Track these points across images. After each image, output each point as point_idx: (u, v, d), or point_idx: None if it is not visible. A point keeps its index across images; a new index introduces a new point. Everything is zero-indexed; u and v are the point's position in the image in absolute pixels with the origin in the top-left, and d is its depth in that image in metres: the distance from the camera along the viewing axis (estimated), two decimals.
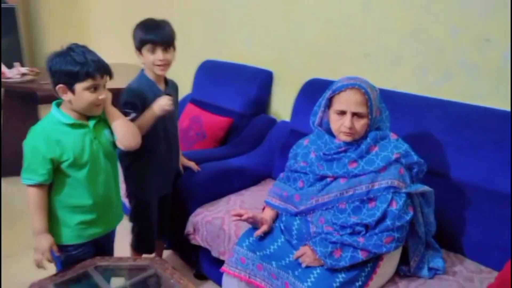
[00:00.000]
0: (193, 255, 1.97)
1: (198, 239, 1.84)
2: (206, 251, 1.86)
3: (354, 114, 1.32)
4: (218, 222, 1.75)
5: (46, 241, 1.33)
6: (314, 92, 2.13)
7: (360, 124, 1.33)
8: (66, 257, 1.41)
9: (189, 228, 1.86)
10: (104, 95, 1.34)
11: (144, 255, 1.81)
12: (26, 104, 2.96)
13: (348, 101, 1.32)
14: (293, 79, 2.38)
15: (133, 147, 1.46)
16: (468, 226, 1.54)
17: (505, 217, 1.47)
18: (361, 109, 1.31)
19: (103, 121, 1.43)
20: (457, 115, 1.66)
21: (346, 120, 1.32)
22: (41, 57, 5.04)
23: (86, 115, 1.37)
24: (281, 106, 2.51)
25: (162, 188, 1.81)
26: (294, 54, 2.37)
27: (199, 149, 2.33)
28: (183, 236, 1.90)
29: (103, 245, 1.51)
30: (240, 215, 1.43)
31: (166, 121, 1.69)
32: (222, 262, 1.74)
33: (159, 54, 1.58)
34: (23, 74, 2.79)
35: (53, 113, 1.35)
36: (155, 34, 1.57)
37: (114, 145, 1.45)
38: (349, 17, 2.06)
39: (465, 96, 1.72)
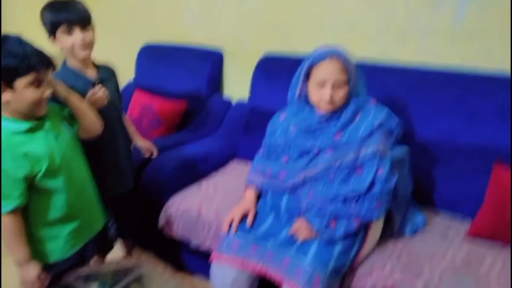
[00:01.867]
0: (169, 250, 1.89)
1: (173, 232, 1.76)
2: (183, 244, 1.79)
3: (334, 84, 1.31)
4: (195, 211, 1.69)
5: (33, 270, 1.19)
6: (271, 68, 2.12)
7: (340, 93, 1.33)
8: (54, 276, 1.27)
9: (162, 221, 1.77)
10: (50, 92, 1.16)
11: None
12: None
13: (328, 71, 1.31)
14: (245, 55, 2.32)
15: (98, 133, 1.35)
16: (438, 181, 1.63)
17: (471, 168, 1.58)
18: (342, 77, 1.31)
19: (55, 115, 1.27)
20: (414, 77, 1.73)
21: (327, 90, 1.31)
22: None
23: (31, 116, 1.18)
24: (235, 84, 2.45)
25: (117, 186, 1.64)
26: (244, 29, 2.30)
27: (156, 137, 2.21)
28: (156, 232, 1.81)
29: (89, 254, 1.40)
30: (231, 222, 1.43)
31: (108, 112, 1.49)
32: (202, 253, 1.71)
33: (78, 34, 1.37)
34: None
35: (4, 124, 1.14)
36: (67, 12, 1.36)
37: (77, 138, 1.32)
38: None
39: (420, 56, 1.80)
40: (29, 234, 1.21)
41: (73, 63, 1.45)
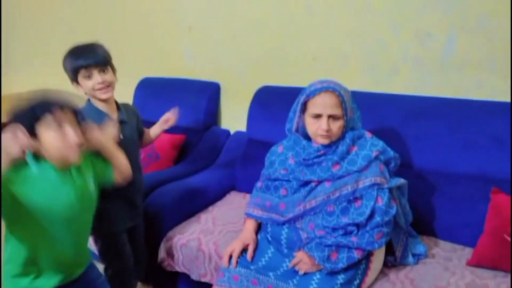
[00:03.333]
0: (168, 284, 1.86)
1: (173, 265, 1.74)
2: (184, 276, 1.77)
3: (330, 117, 1.34)
4: (195, 244, 1.68)
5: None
6: (268, 99, 2.16)
7: (336, 126, 1.35)
8: None
9: (162, 255, 1.76)
10: (73, 133, 1.11)
11: None
12: None
13: (323, 104, 1.33)
14: (242, 88, 2.37)
15: (130, 175, 1.39)
16: (436, 210, 1.64)
17: (468, 196, 1.59)
18: (337, 111, 1.34)
19: (86, 167, 1.25)
20: (408, 107, 1.78)
21: (323, 123, 1.34)
22: None
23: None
24: (232, 117, 2.48)
25: (129, 220, 1.64)
26: (240, 63, 2.36)
27: (154, 171, 2.21)
28: (155, 265, 1.79)
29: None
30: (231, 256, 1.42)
31: (128, 149, 1.50)
32: (202, 285, 1.69)
33: (97, 77, 1.43)
34: None
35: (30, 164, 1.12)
36: (86, 57, 1.43)
37: (96, 192, 1.30)
38: (293, 22, 2.11)
39: (412, 88, 1.85)
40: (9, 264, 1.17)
41: (96, 103, 1.50)
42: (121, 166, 1.34)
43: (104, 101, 1.49)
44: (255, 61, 2.30)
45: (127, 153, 1.47)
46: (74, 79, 1.46)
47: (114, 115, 1.54)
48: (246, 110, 2.22)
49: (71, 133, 1.11)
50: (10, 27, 3.57)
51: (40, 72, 3.47)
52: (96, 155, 1.29)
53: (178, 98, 2.46)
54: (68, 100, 1.15)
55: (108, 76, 1.47)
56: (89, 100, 1.52)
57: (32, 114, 1.08)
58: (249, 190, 2.07)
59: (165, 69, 2.63)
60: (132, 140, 1.58)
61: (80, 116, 1.18)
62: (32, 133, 1.08)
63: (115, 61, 1.54)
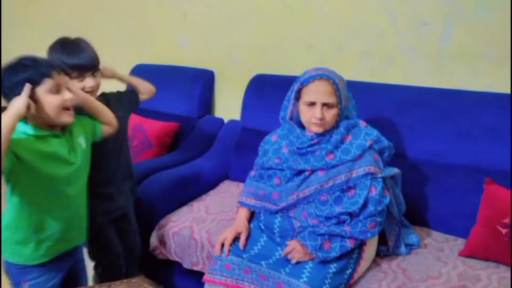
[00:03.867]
0: (160, 271, 1.85)
1: (165, 253, 1.73)
2: (175, 265, 1.76)
3: (324, 105, 1.33)
4: (187, 232, 1.67)
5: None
6: (262, 88, 2.14)
7: (330, 114, 1.34)
8: (32, 286, 1.25)
9: (154, 243, 1.75)
10: (70, 94, 1.19)
11: None
12: None
13: (317, 91, 1.32)
14: (236, 76, 2.34)
15: (116, 126, 1.42)
16: (429, 200, 1.64)
17: (461, 187, 1.59)
18: (331, 99, 1.32)
19: (75, 128, 1.29)
20: (403, 96, 1.76)
21: (317, 111, 1.32)
22: None
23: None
24: (226, 105, 2.46)
25: (112, 210, 1.58)
26: (235, 51, 2.33)
27: (147, 158, 2.20)
28: (148, 253, 1.78)
29: (73, 272, 1.37)
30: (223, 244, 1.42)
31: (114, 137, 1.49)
32: (194, 273, 1.69)
33: (89, 81, 1.37)
34: None
35: (18, 128, 1.12)
36: (80, 58, 1.35)
37: (89, 153, 1.35)
38: (289, 9, 2.08)
39: (408, 78, 1.83)
40: (14, 227, 1.21)
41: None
42: (106, 118, 1.38)
43: None
44: (250, 48, 2.27)
45: (110, 138, 1.46)
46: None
47: None
48: (240, 99, 2.20)
49: (68, 96, 1.18)
50: None
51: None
52: (81, 113, 1.33)
53: (172, 85, 2.43)
54: (60, 63, 1.21)
55: (98, 79, 1.43)
56: None
57: (30, 78, 1.11)
58: (242, 179, 2.06)
59: (159, 55, 2.60)
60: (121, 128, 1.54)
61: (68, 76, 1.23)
62: (32, 98, 1.11)
63: (109, 47, 1.54)
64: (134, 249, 1.72)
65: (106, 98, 1.56)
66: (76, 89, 1.27)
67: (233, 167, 2.13)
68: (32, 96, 1.11)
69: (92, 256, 1.61)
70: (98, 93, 1.48)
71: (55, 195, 1.23)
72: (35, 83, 1.11)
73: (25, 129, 1.15)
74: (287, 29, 2.11)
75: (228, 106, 2.43)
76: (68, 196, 1.26)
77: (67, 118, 1.21)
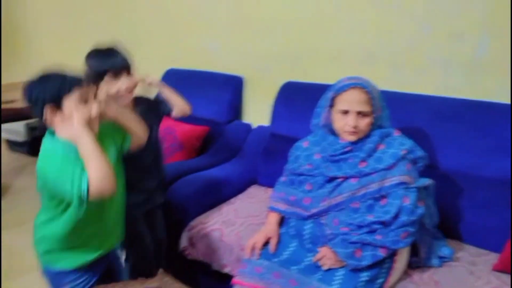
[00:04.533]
0: (188, 272, 1.88)
1: (195, 254, 1.76)
2: (204, 266, 1.79)
3: (358, 113, 1.34)
4: (217, 234, 1.69)
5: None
6: (292, 95, 2.16)
7: (364, 122, 1.35)
8: None
9: (184, 243, 1.78)
10: (97, 106, 1.19)
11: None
12: None
13: (351, 100, 1.33)
14: (265, 83, 2.37)
15: (145, 140, 1.42)
16: (462, 213, 1.62)
17: (495, 201, 1.57)
18: (365, 108, 1.33)
19: (106, 137, 1.29)
20: (436, 108, 1.75)
21: (350, 119, 1.33)
22: None
23: None
24: (254, 111, 2.49)
25: (142, 204, 1.64)
26: (265, 58, 2.35)
27: (177, 161, 2.24)
28: (176, 253, 1.82)
29: (110, 270, 1.41)
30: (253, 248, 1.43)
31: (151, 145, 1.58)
32: (223, 276, 1.71)
33: (123, 82, 1.45)
34: None
35: (50, 143, 1.17)
36: (113, 61, 1.44)
37: (120, 162, 1.36)
38: (320, 18, 2.09)
39: (440, 90, 1.82)
40: (55, 236, 1.24)
41: None
42: (137, 131, 1.37)
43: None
44: (279, 56, 2.30)
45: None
46: (96, 81, 1.43)
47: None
48: (268, 105, 2.22)
49: (95, 108, 1.17)
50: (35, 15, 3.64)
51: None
52: (113, 125, 1.33)
53: (202, 90, 2.48)
54: (85, 76, 1.24)
55: (132, 81, 1.49)
56: None
57: (60, 88, 1.13)
58: (270, 185, 2.08)
59: (190, 61, 2.65)
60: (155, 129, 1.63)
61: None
62: (58, 106, 1.13)
63: (143, 51, 1.58)
64: (161, 243, 1.78)
65: (141, 103, 1.62)
66: (108, 100, 1.29)
67: (261, 172, 2.15)
68: (61, 107, 1.13)
69: (124, 248, 1.65)
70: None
71: (97, 210, 1.24)
72: (64, 93, 1.13)
73: (56, 145, 1.16)
74: (317, 38, 2.13)
75: (257, 111, 2.46)
76: (104, 206, 1.27)
77: (93, 129, 1.19)
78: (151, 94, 1.71)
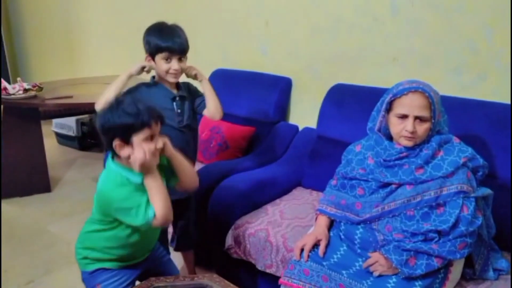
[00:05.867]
0: (232, 271, 1.90)
1: (240, 253, 1.78)
2: (248, 265, 1.80)
3: (416, 118, 1.30)
4: (263, 235, 1.70)
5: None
6: (341, 97, 2.13)
7: (422, 128, 1.31)
8: (106, 286, 1.36)
9: (229, 242, 1.80)
10: (161, 144, 1.24)
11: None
12: (27, 120, 2.82)
13: (410, 104, 1.30)
14: (313, 85, 2.37)
15: (195, 188, 1.44)
16: None
17: None
18: (424, 113, 1.30)
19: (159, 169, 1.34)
20: (497, 115, 1.68)
21: (409, 124, 1.30)
22: (26, 70, 4.86)
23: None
24: (301, 113, 2.48)
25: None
26: (314, 60, 2.35)
27: (223, 160, 2.27)
28: (220, 252, 1.84)
29: (150, 267, 1.46)
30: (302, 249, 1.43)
31: (185, 123, 1.67)
32: (267, 276, 1.71)
33: (175, 63, 1.55)
34: (26, 90, 2.65)
35: (115, 170, 1.24)
36: (172, 42, 1.53)
37: None
38: (375, 20, 2.06)
39: (501, 95, 1.74)
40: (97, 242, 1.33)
41: (162, 81, 1.63)
42: (185, 178, 1.38)
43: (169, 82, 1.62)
44: (330, 58, 2.28)
45: (182, 130, 1.64)
46: (152, 55, 1.57)
47: (175, 92, 1.65)
48: (316, 107, 2.21)
49: (160, 144, 1.23)
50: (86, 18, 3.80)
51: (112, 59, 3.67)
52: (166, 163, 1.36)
53: (249, 91, 2.50)
54: (158, 112, 1.25)
55: (183, 64, 1.60)
56: (154, 77, 1.66)
57: (130, 127, 1.18)
58: (315, 187, 2.08)
59: (240, 61, 2.68)
60: (189, 115, 1.68)
61: (162, 123, 1.27)
62: (127, 141, 1.19)
63: (192, 50, 1.64)
64: (190, 232, 1.86)
65: (188, 87, 1.71)
66: (168, 143, 1.30)
67: (306, 174, 2.14)
68: (128, 141, 1.19)
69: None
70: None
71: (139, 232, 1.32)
72: (134, 131, 1.18)
73: (121, 172, 1.24)
74: (371, 41, 2.10)
75: (304, 113, 2.45)
76: (148, 233, 1.36)
77: (155, 161, 1.25)
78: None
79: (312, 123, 2.27)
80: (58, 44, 4.32)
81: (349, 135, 1.76)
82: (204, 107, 1.70)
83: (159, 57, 1.56)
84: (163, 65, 1.56)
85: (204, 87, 1.67)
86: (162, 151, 1.26)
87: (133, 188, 1.22)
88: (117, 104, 1.20)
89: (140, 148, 1.18)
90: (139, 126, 1.18)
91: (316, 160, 2.12)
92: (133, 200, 1.20)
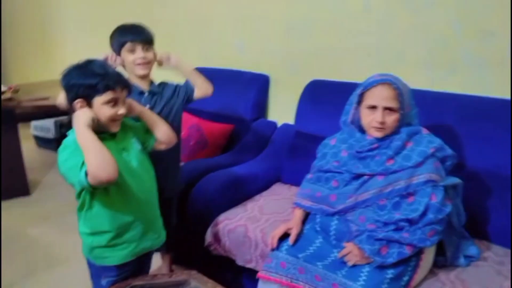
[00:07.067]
0: (213, 268, 1.91)
1: (220, 249, 1.79)
2: (228, 262, 1.81)
3: (386, 109, 1.34)
4: (242, 230, 1.72)
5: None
6: (318, 93, 2.16)
7: (391, 119, 1.35)
8: (108, 282, 1.35)
9: (209, 239, 1.81)
10: (124, 110, 1.26)
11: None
12: (4, 123, 2.78)
13: (379, 96, 1.34)
14: (291, 81, 2.39)
15: (173, 143, 1.45)
16: (490, 213, 1.60)
17: None
18: (393, 104, 1.33)
19: (129, 131, 1.36)
20: (466, 107, 1.73)
21: (378, 114, 1.34)
22: (2, 72, 4.77)
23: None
24: (280, 109, 2.50)
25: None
26: (291, 57, 2.37)
27: (203, 158, 2.28)
28: (201, 249, 1.85)
29: (144, 266, 1.46)
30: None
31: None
32: (247, 271, 1.73)
33: (139, 52, 1.56)
34: (2, 92, 2.61)
35: (69, 137, 1.24)
36: (133, 33, 1.56)
37: (145, 153, 1.40)
38: (348, 17, 2.09)
39: (470, 88, 1.79)
40: (98, 232, 1.29)
41: (134, 80, 1.60)
42: (162, 134, 1.41)
43: (140, 77, 1.60)
44: (306, 54, 2.31)
45: None
46: (118, 52, 1.58)
47: (145, 87, 1.63)
48: (293, 103, 2.23)
49: (122, 111, 1.24)
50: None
51: None
52: (140, 124, 1.40)
53: (227, 88, 2.50)
54: (126, 80, 1.27)
55: (150, 54, 1.59)
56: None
57: (94, 88, 1.18)
58: (294, 182, 2.10)
59: (216, 59, 2.69)
60: (168, 114, 1.66)
61: (129, 92, 1.29)
62: (89, 103, 1.20)
63: (169, 50, 1.65)
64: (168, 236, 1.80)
65: (163, 87, 1.69)
66: (136, 103, 1.36)
67: (285, 170, 2.17)
68: (89, 102, 1.20)
69: None
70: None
71: (124, 196, 1.29)
72: (98, 92, 1.19)
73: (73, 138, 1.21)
74: (345, 37, 2.13)
75: (282, 110, 2.47)
76: (136, 196, 1.32)
77: (114, 128, 1.27)
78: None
79: (291, 120, 2.29)
80: (34, 46, 4.26)
81: (326, 130, 1.79)
82: (192, 90, 1.70)
83: (124, 51, 1.56)
84: (129, 56, 1.56)
85: (183, 69, 1.68)
86: (129, 111, 1.29)
87: (74, 148, 1.18)
88: (86, 63, 1.21)
89: (91, 111, 1.18)
90: (102, 88, 1.18)
91: (294, 156, 2.15)
92: (72, 160, 1.17)
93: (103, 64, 1.24)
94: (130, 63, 1.57)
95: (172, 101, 1.70)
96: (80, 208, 1.30)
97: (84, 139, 1.15)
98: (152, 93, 1.64)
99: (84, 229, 1.32)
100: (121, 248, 1.32)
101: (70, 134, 1.24)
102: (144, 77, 1.61)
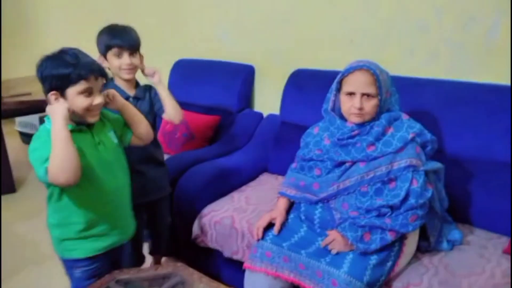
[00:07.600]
0: (201, 260, 1.91)
1: (206, 241, 1.79)
2: (216, 253, 1.82)
3: (364, 95, 1.34)
4: (228, 221, 1.72)
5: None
6: (302, 82, 2.16)
7: (370, 104, 1.35)
8: (82, 272, 1.33)
9: (195, 231, 1.81)
10: (100, 100, 1.23)
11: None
12: None
13: (357, 82, 1.34)
14: (276, 71, 2.37)
15: (150, 140, 1.45)
16: (473, 197, 1.61)
17: (505, 185, 1.55)
18: (370, 90, 1.33)
19: (107, 124, 1.35)
20: (448, 92, 1.74)
21: (356, 101, 1.34)
22: None
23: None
24: (265, 100, 2.50)
25: (145, 194, 1.67)
26: (275, 47, 2.36)
27: (189, 150, 2.27)
28: (188, 241, 1.85)
29: (117, 259, 1.44)
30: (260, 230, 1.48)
31: None
32: (234, 262, 1.73)
33: (126, 58, 1.54)
34: None
35: (45, 125, 1.21)
36: (121, 39, 1.54)
37: (121, 148, 1.38)
38: (331, 3, 2.08)
39: (452, 73, 1.80)
40: (63, 225, 1.28)
41: (119, 82, 1.61)
42: (141, 130, 1.40)
43: (125, 80, 1.60)
44: (289, 44, 2.29)
45: None
46: (104, 54, 1.56)
47: (132, 92, 1.63)
48: (279, 94, 2.22)
49: (98, 100, 1.21)
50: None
51: None
52: (117, 117, 1.38)
53: (212, 80, 2.50)
54: (101, 67, 1.24)
55: (136, 60, 1.58)
56: (112, 79, 1.62)
57: (66, 78, 1.15)
58: (281, 172, 2.10)
59: (201, 50, 2.67)
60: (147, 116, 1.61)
61: (106, 80, 1.27)
62: (63, 95, 1.17)
63: (152, 43, 1.63)
64: (161, 235, 1.86)
65: (149, 90, 1.67)
66: (119, 96, 1.34)
67: (272, 160, 2.17)
68: (63, 93, 1.17)
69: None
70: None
71: (96, 191, 1.27)
72: (70, 82, 1.16)
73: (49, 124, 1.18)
74: (328, 24, 2.12)
75: (267, 100, 2.47)
76: (108, 191, 1.29)
77: (91, 119, 1.24)
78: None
79: (276, 110, 2.29)
80: (15, 40, 4.18)
81: (311, 119, 1.78)
82: (162, 110, 1.67)
83: (110, 55, 1.55)
84: (115, 61, 1.55)
85: (160, 90, 1.63)
86: (110, 104, 1.27)
87: (45, 140, 1.15)
88: (59, 53, 1.18)
89: (66, 102, 1.15)
90: (75, 78, 1.15)
91: (280, 146, 2.15)
92: (39, 152, 1.13)
93: (76, 53, 1.19)
94: (115, 68, 1.56)
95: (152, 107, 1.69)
96: (49, 198, 1.27)
97: (57, 136, 1.12)
98: (136, 98, 1.63)
99: (52, 220, 1.30)
100: (90, 240, 1.30)
101: (46, 121, 1.21)
102: (129, 80, 1.61)
